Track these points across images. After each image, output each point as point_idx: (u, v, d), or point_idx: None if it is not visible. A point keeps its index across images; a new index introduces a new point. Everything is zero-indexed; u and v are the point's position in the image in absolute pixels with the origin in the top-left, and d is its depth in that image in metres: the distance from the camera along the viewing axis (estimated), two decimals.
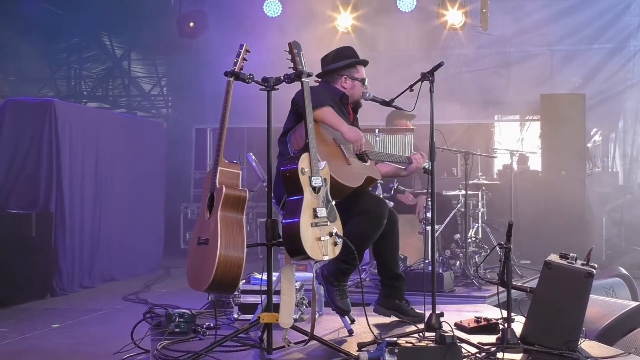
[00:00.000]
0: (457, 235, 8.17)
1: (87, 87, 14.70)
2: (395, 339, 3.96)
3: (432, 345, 4.10)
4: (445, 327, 4.70)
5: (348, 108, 5.29)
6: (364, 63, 5.39)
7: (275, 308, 4.33)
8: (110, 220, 9.36)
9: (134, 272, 9.82)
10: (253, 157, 6.03)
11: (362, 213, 4.93)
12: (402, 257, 7.37)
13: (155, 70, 14.59)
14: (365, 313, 4.65)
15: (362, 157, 5.11)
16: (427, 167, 5.23)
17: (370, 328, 4.61)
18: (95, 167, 9.09)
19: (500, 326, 4.62)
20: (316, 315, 4.98)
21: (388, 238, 5.20)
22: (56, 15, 12.80)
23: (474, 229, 8.39)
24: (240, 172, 4.43)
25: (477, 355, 4.23)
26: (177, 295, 8.04)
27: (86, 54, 14.37)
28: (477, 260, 7.94)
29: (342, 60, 5.29)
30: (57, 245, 8.36)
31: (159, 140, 11.07)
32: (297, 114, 4.86)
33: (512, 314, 4.44)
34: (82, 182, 8.80)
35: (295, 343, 4.40)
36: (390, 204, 6.69)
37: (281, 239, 4.29)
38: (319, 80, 5.33)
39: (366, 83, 5.33)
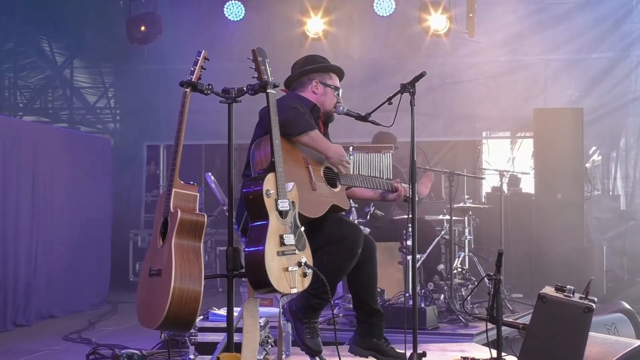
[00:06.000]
0: (441, 266, 8.21)
1: (23, 98, 14.56)
2: None
3: None
4: None
5: (319, 121, 5.31)
6: (338, 70, 5.44)
7: (237, 348, 4.32)
8: (49, 249, 9.26)
9: (76, 308, 9.72)
10: (212, 177, 6.03)
11: (335, 241, 4.94)
12: (379, 290, 7.39)
13: (101, 79, 14.50)
14: (338, 353, 4.65)
15: (333, 180, 5.13)
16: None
17: None
18: (32, 189, 9.01)
19: None
20: (283, 356, 4.97)
21: (365, 269, 5.21)
22: None
23: (460, 258, 8.43)
24: (198, 194, 4.43)
25: None
26: (126, 333, 7.97)
27: (22, 61, 14.23)
28: (463, 293, 7.98)
29: (314, 65, 5.35)
30: None
31: (106, 158, 11.00)
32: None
33: (503, 354, 4.46)
34: (16, 206, 8.71)
35: None
36: (367, 230, 6.73)
37: (243, 270, 4.29)
38: (286, 90, 5.36)
39: (340, 94, 5.36)
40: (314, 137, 4.95)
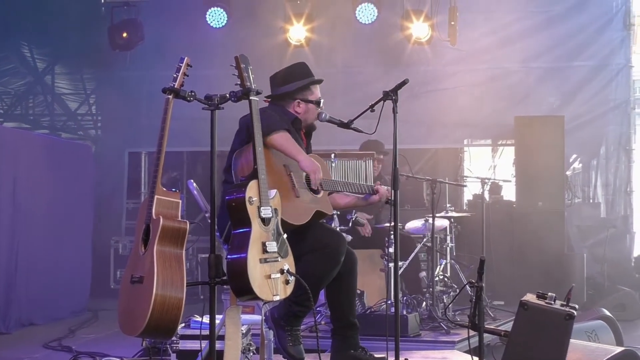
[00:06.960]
0: (423, 273, 8.22)
1: (3, 104, 14.50)
2: None
3: None
4: None
5: (301, 133, 5.31)
6: (319, 82, 5.41)
7: (219, 355, 4.31)
8: (29, 256, 9.20)
9: (57, 316, 9.66)
10: (194, 184, 6.02)
11: (317, 248, 4.94)
12: (358, 291, 7.38)
13: (82, 86, 14.43)
14: None
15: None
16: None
17: None
18: (12, 196, 8.96)
19: None
20: None
21: (345, 281, 5.21)
22: None
23: (442, 266, 8.45)
24: (180, 201, 4.42)
25: None
26: (107, 341, 7.94)
27: (3, 67, 14.16)
28: (445, 300, 7.98)
29: (294, 82, 5.30)
30: None
31: (87, 165, 10.95)
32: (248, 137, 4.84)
33: None
34: None
35: None
36: (348, 237, 6.74)
37: (226, 277, 4.28)
38: (268, 100, 5.35)
39: (322, 104, 5.35)
40: (282, 136, 4.87)
